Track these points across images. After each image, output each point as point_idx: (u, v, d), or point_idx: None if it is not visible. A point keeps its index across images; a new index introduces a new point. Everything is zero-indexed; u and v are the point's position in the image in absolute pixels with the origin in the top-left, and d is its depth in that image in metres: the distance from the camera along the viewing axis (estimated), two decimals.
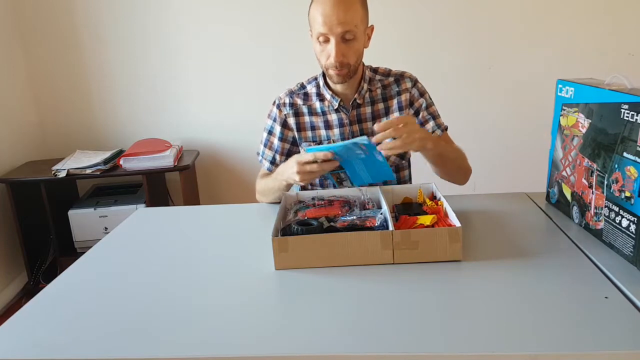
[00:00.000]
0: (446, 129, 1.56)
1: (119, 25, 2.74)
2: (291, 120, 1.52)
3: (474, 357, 0.78)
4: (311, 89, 1.53)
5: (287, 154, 1.54)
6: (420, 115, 1.52)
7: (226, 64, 2.78)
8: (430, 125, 1.52)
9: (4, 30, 2.66)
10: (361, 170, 1.32)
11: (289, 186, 1.44)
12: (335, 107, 1.49)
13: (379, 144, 1.20)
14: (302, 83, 1.56)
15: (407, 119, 1.25)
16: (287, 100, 1.54)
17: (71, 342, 0.88)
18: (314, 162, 1.26)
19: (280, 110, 1.54)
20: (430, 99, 1.54)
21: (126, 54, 2.78)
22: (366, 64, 1.52)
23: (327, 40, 1.35)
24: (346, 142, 1.22)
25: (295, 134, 1.53)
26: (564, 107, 1.23)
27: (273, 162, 1.55)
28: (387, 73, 1.53)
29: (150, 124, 2.86)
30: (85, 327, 0.92)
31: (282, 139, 1.54)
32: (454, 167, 1.47)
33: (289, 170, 1.31)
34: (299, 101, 1.53)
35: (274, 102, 1.56)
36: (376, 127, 1.20)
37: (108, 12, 2.73)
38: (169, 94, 2.83)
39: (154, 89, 2.83)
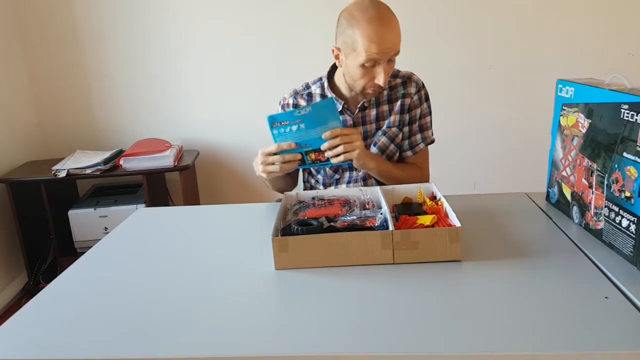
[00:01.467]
0: (432, 142, 1.57)
1: (119, 25, 2.74)
2: None
3: (474, 357, 0.78)
4: (315, 90, 1.53)
5: None
6: (412, 126, 1.53)
7: (226, 64, 2.78)
8: (417, 137, 1.54)
9: (4, 30, 2.66)
10: (318, 131, 1.32)
11: (274, 182, 1.47)
12: (339, 110, 1.49)
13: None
14: (308, 83, 1.56)
15: (352, 131, 1.34)
16: (290, 101, 1.54)
17: (71, 342, 0.88)
18: (276, 153, 1.31)
19: (284, 111, 1.54)
20: (429, 107, 1.55)
21: (126, 54, 2.78)
22: None
23: (374, 65, 1.35)
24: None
25: None
26: (564, 107, 1.23)
27: None
28: (395, 74, 1.53)
29: (150, 124, 2.86)
30: (85, 327, 0.92)
31: None
32: (399, 183, 1.44)
33: (257, 163, 1.36)
34: (302, 102, 1.53)
35: (279, 102, 1.57)
36: (324, 135, 1.30)
37: (108, 12, 2.73)
38: (169, 94, 2.83)
39: (154, 89, 2.83)
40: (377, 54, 1.31)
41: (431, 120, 1.56)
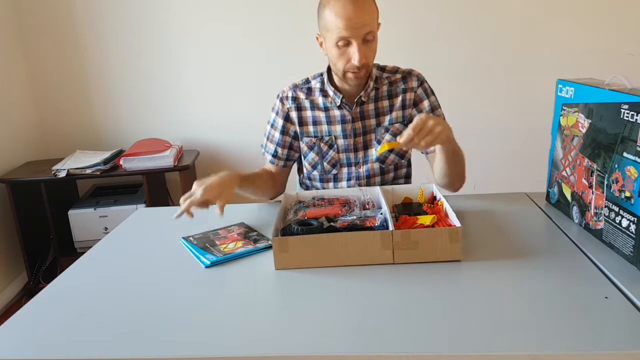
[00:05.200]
0: None
1: (119, 25, 2.74)
2: (293, 114, 1.52)
3: (474, 357, 0.78)
4: (315, 84, 1.53)
5: (289, 147, 1.55)
6: None
7: (226, 64, 2.78)
8: None
9: (4, 30, 2.66)
10: None
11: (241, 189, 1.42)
12: (338, 104, 1.49)
13: None
14: (308, 78, 1.56)
15: (425, 117, 1.20)
16: (289, 94, 1.54)
17: (71, 342, 0.88)
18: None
19: (282, 104, 1.54)
20: (437, 100, 1.54)
21: (126, 54, 2.78)
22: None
23: (347, 44, 1.34)
24: None
25: (297, 128, 1.53)
26: (564, 107, 1.23)
27: (275, 155, 1.56)
28: (395, 70, 1.53)
29: (150, 124, 2.86)
30: (85, 327, 0.92)
31: (283, 132, 1.54)
32: (460, 168, 1.41)
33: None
34: (302, 95, 1.53)
35: (278, 95, 1.56)
36: (404, 141, 1.18)
37: (108, 12, 2.73)
38: (169, 94, 2.83)
39: (154, 89, 2.83)
40: (346, 30, 1.30)
41: (443, 114, 1.53)
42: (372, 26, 1.33)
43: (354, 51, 1.33)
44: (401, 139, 1.18)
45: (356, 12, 1.29)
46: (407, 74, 1.52)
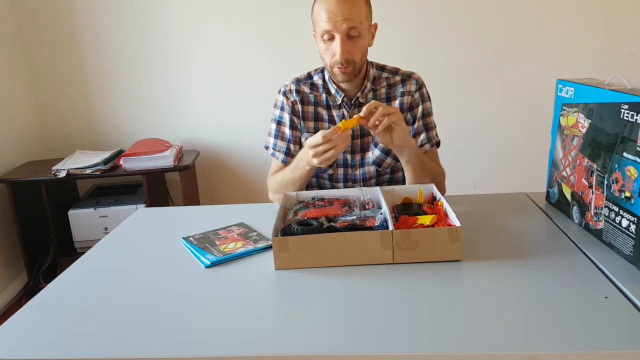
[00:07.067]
0: (438, 144, 1.53)
1: (119, 25, 2.74)
2: (298, 107, 1.51)
3: (474, 357, 0.78)
4: (318, 80, 1.52)
5: (301, 143, 1.52)
6: (415, 125, 1.50)
7: (226, 64, 2.78)
8: (422, 137, 1.50)
9: (4, 30, 2.66)
10: None
11: (312, 171, 1.39)
12: (339, 103, 1.48)
13: None
14: (310, 73, 1.54)
15: (394, 109, 1.26)
16: (293, 87, 1.52)
17: (71, 342, 0.88)
18: (325, 142, 1.23)
19: (287, 98, 1.51)
20: (431, 107, 1.52)
21: (126, 54, 2.78)
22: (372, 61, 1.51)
23: (331, 38, 1.35)
24: None
25: (300, 122, 1.52)
26: (564, 107, 1.23)
27: (288, 153, 1.52)
28: (395, 72, 1.51)
29: (150, 124, 2.86)
30: (85, 327, 0.92)
31: (293, 127, 1.52)
32: (427, 177, 1.41)
33: (306, 155, 1.29)
34: (306, 89, 1.51)
35: (280, 90, 1.53)
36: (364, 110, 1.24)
37: (108, 11, 2.73)
38: (169, 94, 2.83)
39: (154, 89, 2.83)
40: (328, 22, 1.31)
41: (434, 121, 1.53)
42: (357, 22, 1.33)
43: (336, 45, 1.34)
44: (362, 112, 1.25)
45: (338, 5, 1.31)
46: (407, 77, 1.50)
